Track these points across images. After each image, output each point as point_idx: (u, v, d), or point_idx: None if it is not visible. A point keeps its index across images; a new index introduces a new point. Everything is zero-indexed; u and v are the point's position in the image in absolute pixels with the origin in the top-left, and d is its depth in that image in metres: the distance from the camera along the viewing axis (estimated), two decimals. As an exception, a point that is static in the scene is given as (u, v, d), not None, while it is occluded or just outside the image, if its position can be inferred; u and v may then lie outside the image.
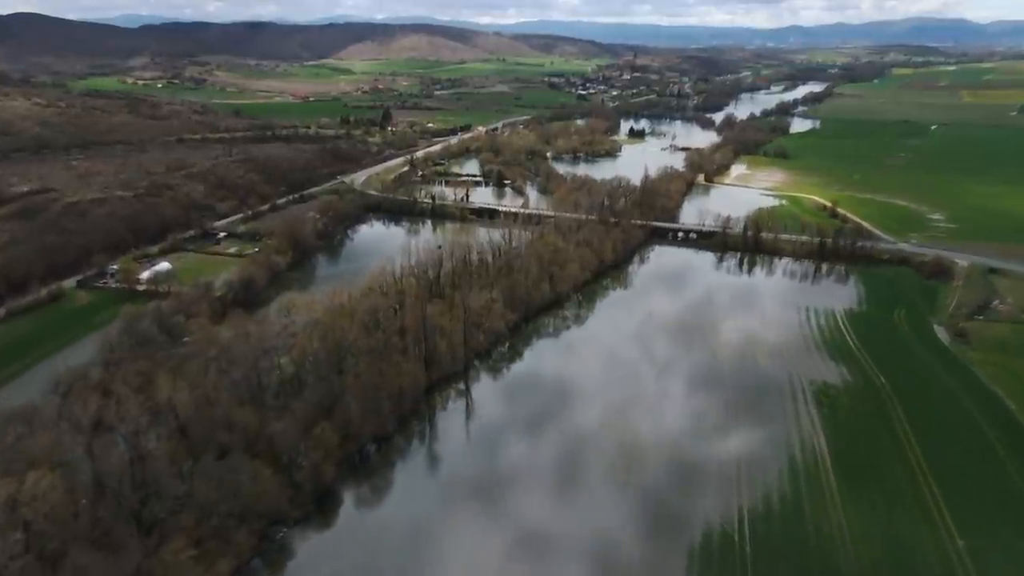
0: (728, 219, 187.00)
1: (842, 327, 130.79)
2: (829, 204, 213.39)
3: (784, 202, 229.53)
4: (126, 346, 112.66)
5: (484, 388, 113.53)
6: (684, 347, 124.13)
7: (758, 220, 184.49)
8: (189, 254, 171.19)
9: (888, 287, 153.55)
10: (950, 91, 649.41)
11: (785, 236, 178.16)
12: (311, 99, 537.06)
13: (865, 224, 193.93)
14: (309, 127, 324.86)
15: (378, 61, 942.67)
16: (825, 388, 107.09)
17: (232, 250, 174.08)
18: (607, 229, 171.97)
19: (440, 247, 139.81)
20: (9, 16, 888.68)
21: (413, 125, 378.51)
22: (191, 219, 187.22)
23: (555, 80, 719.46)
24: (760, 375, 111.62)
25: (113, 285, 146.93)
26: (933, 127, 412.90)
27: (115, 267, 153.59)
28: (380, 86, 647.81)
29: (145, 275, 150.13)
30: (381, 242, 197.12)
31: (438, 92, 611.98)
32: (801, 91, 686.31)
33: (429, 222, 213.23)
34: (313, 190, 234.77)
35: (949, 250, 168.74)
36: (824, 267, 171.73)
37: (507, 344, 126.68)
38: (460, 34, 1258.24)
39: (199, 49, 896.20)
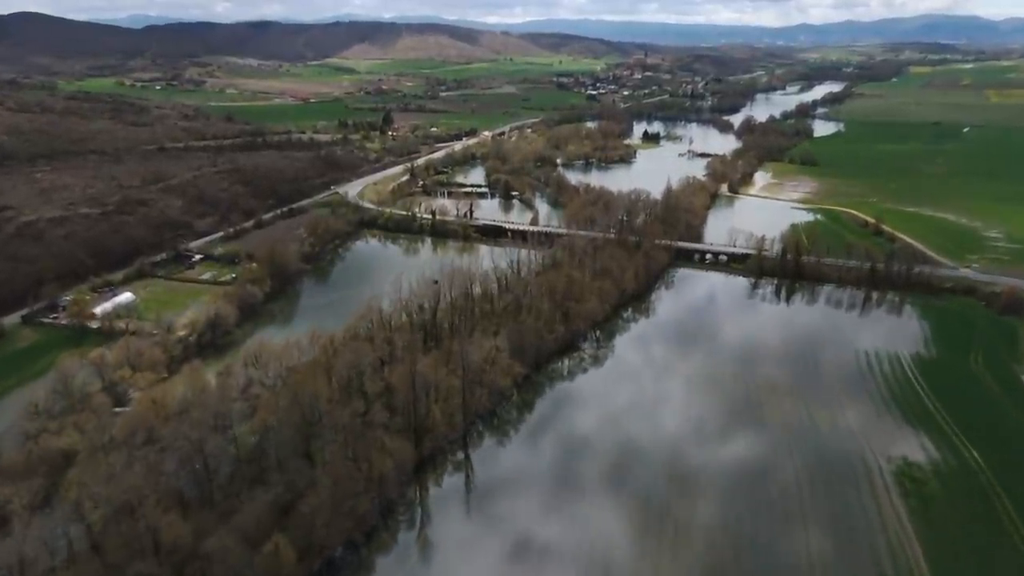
0: (763, 240, 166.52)
1: (911, 377, 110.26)
2: (872, 220, 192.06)
3: (820, 217, 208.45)
4: (57, 409, 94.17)
5: (487, 459, 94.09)
6: (724, 407, 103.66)
7: (797, 241, 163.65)
8: (158, 281, 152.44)
9: (956, 324, 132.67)
10: (974, 91, 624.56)
11: (830, 260, 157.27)
12: (312, 100, 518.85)
13: (916, 244, 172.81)
14: (304, 132, 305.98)
15: (383, 61, 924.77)
16: (908, 468, 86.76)
17: (207, 276, 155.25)
18: (628, 253, 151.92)
19: (436, 282, 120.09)
20: (9, 16, 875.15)
21: (415, 129, 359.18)
22: (163, 240, 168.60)
23: (564, 80, 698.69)
24: (823, 450, 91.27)
25: (63, 321, 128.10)
26: (965, 129, 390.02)
27: (69, 298, 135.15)
28: (384, 87, 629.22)
29: (101, 309, 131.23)
30: (376, 263, 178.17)
31: (443, 93, 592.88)
32: (818, 91, 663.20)
33: (429, 240, 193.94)
34: (304, 203, 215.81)
35: (1022, 277, 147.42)
36: (874, 296, 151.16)
37: (514, 399, 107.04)
38: (466, 34, 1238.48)
39: (203, 50, 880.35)
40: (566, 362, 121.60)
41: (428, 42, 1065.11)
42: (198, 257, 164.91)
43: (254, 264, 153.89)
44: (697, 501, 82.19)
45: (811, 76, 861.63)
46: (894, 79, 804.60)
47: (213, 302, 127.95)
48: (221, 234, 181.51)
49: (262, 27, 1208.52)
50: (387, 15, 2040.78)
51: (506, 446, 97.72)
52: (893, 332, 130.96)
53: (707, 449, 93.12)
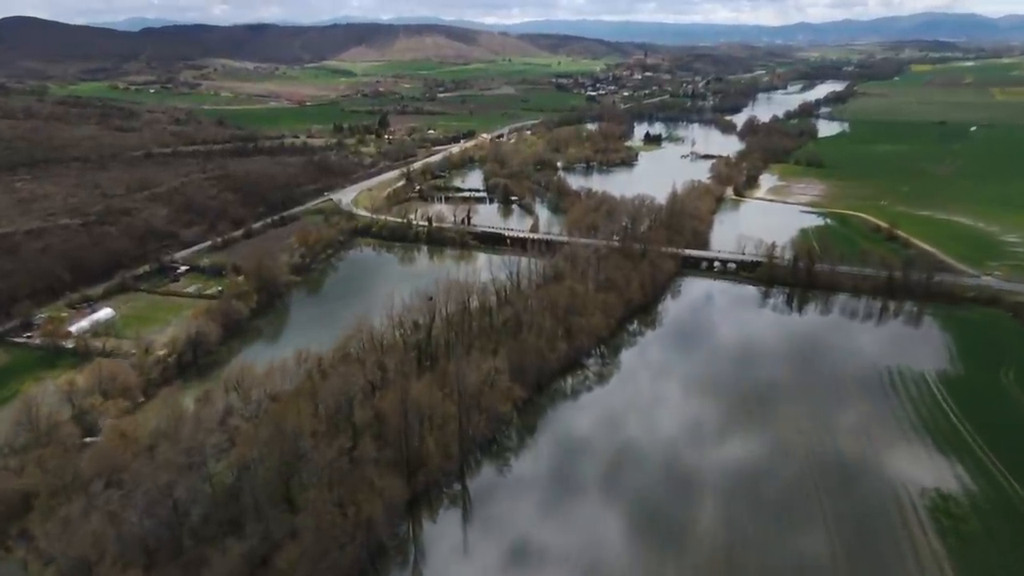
0: (773, 247, 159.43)
1: (939, 398, 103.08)
2: (885, 225, 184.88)
3: (829, 221, 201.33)
4: (21, 442, 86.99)
5: (486, 490, 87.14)
6: (740, 434, 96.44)
7: (809, 248, 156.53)
8: (140, 295, 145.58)
9: (982, 337, 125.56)
10: (978, 89, 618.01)
11: (844, 269, 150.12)
12: (308, 103, 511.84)
13: (933, 250, 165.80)
14: (298, 136, 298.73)
15: (380, 63, 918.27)
16: (943, 502, 79.64)
17: (191, 289, 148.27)
18: (632, 263, 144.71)
19: (431, 298, 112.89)
20: (3, 20, 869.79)
21: (412, 132, 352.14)
22: (147, 251, 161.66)
23: (563, 81, 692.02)
24: (850, 480, 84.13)
25: (37, 341, 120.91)
26: (972, 128, 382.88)
27: (44, 316, 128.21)
28: (381, 89, 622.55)
29: (77, 327, 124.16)
30: (370, 274, 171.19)
31: (441, 95, 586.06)
32: (820, 90, 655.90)
33: (425, 248, 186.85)
34: (296, 210, 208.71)
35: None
36: (891, 306, 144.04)
37: (515, 422, 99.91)
38: (464, 34, 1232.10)
39: (199, 52, 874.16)
40: (570, 380, 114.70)
41: (425, 43, 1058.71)
42: (183, 269, 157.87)
43: (241, 277, 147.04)
44: (717, 536, 75.16)
45: (812, 75, 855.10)
46: (896, 78, 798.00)
47: (195, 319, 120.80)
48: (208, 244, 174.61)
49: (259, 30, 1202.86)
50: (385, 17, 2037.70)
51: (506, 475, 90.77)
52: (915, 346, 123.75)
53: (724, 476, 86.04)
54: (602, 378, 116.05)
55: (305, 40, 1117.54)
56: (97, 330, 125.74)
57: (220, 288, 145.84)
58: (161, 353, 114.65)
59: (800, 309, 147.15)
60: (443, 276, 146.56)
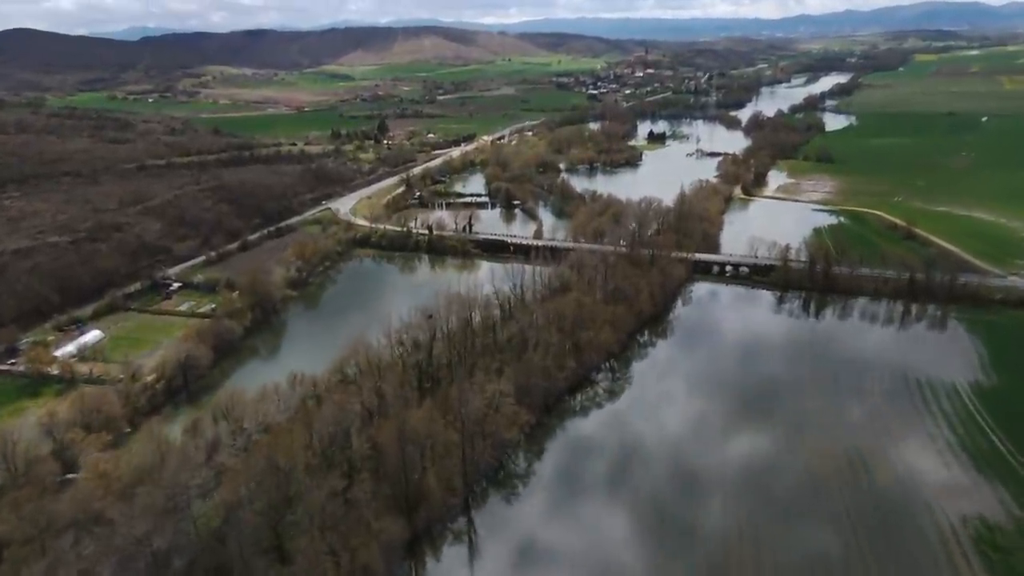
0: (787, 249, 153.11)
1: (974, 412, 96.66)
2: (902, 222, 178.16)
3: (843, 219, 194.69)
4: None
5: (494, 522, 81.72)
6: (761, 452, 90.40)
7: (826, 250, 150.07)
8: (131, 315, 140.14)
9: (1013, 343, 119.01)
10: (986, 78, 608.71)
11: (863, 271, 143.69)
12: (306, 109, 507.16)
13: (953, 248, 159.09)
14: (295, 144, 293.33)
15: (379, 66, 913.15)
16: (988, 533, 73.34)
17: (184, 307, 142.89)
18: (641, 270, 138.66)
19: (431, 316, 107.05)
20: (2, 33, 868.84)
21: (412, 136, 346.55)
22: (139, 268, 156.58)
23: (564, 80, 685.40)
24: (886, 510, 77.75)
25: (21, 368, 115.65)
26: (983, 119, 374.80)
27: (29, 341, 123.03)
28: (381, 92, 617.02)
29: (64, 351, 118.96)
30: (369, 286, 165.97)
31: (441, 97, 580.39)
32: (824, 83, 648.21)
33: (426, 258, 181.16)
34: (293, 220, 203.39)
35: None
36: (914, 310, 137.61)
37: (522, 447, 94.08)
38: (463, 35, 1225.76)
39: (198, 60, 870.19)
40: (579, 398, 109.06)
41: (424, 45, 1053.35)
42: (176, 286, 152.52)
43: (235, 293, 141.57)
44: (747, 556, 69.20)
45: (815, 68, 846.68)
46: (900, 68, 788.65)
47: (185, 341, 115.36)
48: (203, 258, 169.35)
49: (257, 36, 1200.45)
50: (383, 20, 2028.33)
51: (514, 505, 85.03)
52: (943, 354, 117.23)
53: (748, 499, 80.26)
54: (613, 395, 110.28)
55: (303, 45, 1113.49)
56: (84, 354, 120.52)
57: (214, 305, 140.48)
58: (150, 379, 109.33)
59: (818, 314, 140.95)
60: (445, 287, 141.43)
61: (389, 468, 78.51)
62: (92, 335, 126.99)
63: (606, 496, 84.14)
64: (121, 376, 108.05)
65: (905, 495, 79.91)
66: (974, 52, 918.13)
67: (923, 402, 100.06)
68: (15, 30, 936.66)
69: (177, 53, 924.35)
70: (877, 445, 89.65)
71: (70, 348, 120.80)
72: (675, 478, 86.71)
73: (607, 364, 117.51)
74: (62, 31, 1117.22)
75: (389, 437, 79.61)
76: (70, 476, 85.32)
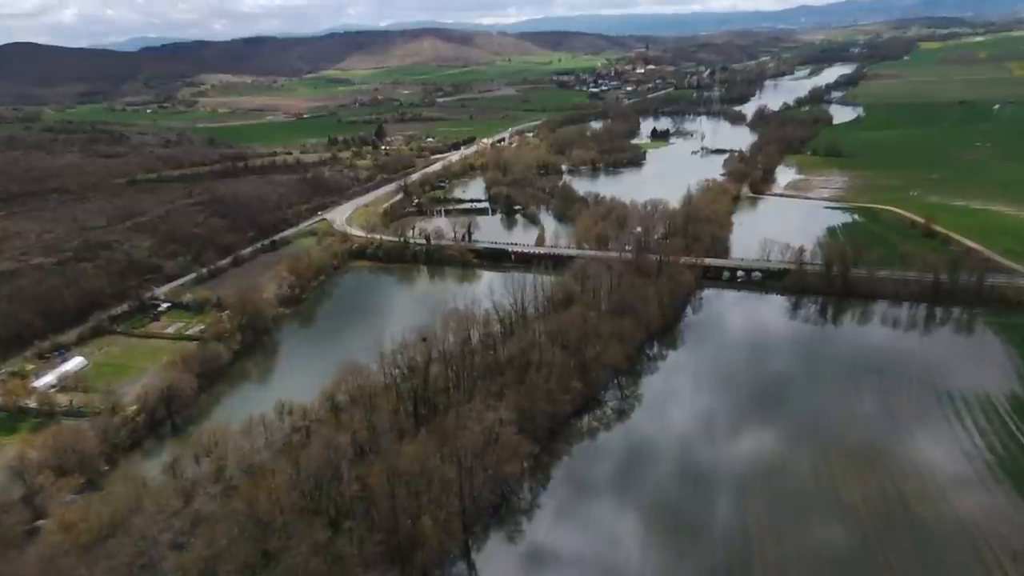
0: (801, 251, 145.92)
1: (1014, 430, 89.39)
2: (921, 219, 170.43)
3: (857, 217, 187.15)
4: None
5: (495, 565, 75.12)
6: (785, 479, 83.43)
7: (842, 251, 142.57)
8: (116, 338, 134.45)
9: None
10: (994, 64, 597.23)
11: (883, 273, 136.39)
12: (305, 115, 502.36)
13: (977, 246, 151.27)
14: (290, 152, 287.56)
15: (379, 69, 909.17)
16: (1044, 572, 66.15)
17: (171, 329, 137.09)
18: (649, 279, 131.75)
19: (425, 338, 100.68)
20: (2, 47, 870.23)
21: (410, 141, 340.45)
22: (127, 288, 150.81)
23: (564, 79, 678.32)
24: (926, 546, 70.76)
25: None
26: (995, 107, 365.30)
27: (7, 371, 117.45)
28: (380, 96, 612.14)
29: (44, 382, 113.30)
30: (366, 301, 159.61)
31: (440, 100, 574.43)
32: (829, 74, 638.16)
33: (425, 269, 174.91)
34: (288, 232, 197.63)
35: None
36: (938, 313, 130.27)
37: (526, 477, 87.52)
38: (462, 37, 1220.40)
39: (198, 69, 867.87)
40: (586, 420, 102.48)
41: (423, 47, 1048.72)
42: (165, 306, 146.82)
43: (224, 313, 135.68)
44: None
45: (819, 59, 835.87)
46: (906, 57, 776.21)
47: (168, 369, 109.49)
48: (194, 276, 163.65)
49: (257, 43, 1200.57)
50: (383, 23, 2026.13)
51: (518, 543, 78.79)
52: (973, 361, 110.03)
53: (772, 535, 73.33)
54: (622, 415, 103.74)
55: (303, 51, 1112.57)
56: (65, 383, 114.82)
57: (203, 326, 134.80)
58: (132, 410, 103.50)
59: (836, 320, 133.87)
60: (443, 302, 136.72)
61: (380, 512, 72.27)
62: (74, 362, 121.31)
63: (617, 531, 77.71)
64: (101, 408, 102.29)
65: (946, 526, 72.91)
66: (980, 38, 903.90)
67: (956, 417, 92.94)
68: (15, 44, 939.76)
69: (177, 63, 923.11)
70: (911, 470, 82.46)
71: (50, 378, 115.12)
72: (691, 511, 79.90)
73: (615, 381, 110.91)
74: (63, 44, 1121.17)
75: (379, 477, 73.33)
76: (40, 522, 79.54)
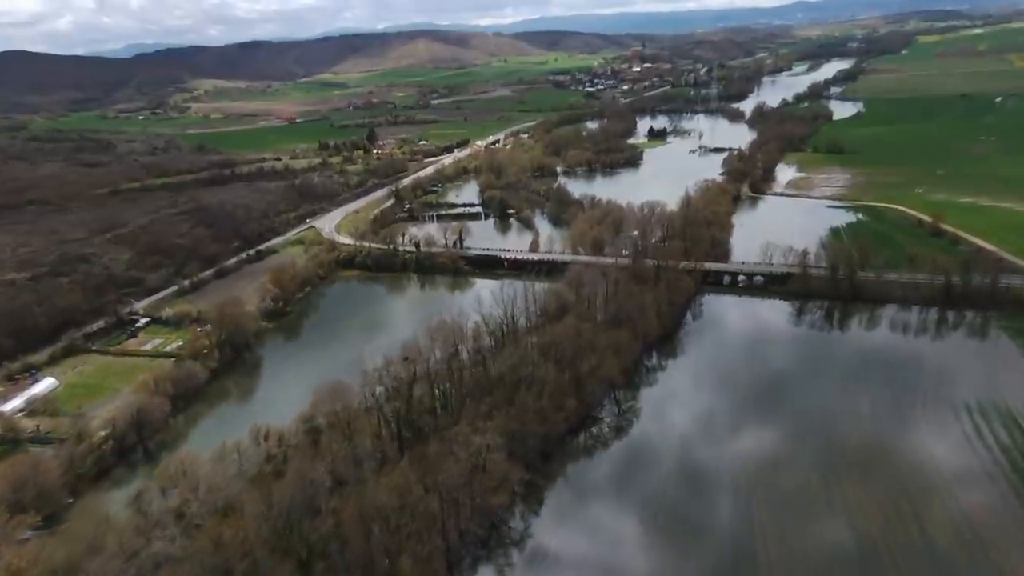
0: (804, 254, 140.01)
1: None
2: (928, 218, 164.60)
3: (861, 216, 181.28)
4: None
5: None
6: (790, 502, 77.69)
7: (848, 254, 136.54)
8: (92, 357, 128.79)
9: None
10: (995, 56, 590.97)
11: (891, 276, 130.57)
12: (298, 120, 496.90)
13: (987, 246, 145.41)
14: (279, 159, 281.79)
15: (375, 72, 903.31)
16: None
17: (149, 346, 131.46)
18: (646, 286, 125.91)
19: (407, 357, 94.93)
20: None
21: (403, 145, 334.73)
22: (105, 303, 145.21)
23: (560, 79, 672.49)
24: (949, 572, 64.92)
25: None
26: (998, 99, 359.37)
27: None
28: (374, 99, 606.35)
29: (11, 406, 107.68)
30: (354, 312, 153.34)
31: (435, 102, 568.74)
32: (827, 70, 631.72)
33: (415, 277, 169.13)
34: (275, 241, 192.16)
35: None
36: (950, 317, 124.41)
37: (517, 504, 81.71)
38: (458, 38, 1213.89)
39: (192, 74, 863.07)
40: (582, 438, 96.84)
41: (419, 49, 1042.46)
42: (143, 321, 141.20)
43: (204, 328, 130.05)
44: None
45: (817, 54, 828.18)
46: (904, 51, 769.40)
47: (139, 391, 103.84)
48: (175, 288, 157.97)
49: (252, 47, 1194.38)
50: (380, 25, 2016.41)
51: (508, 577, 72.86)
52: (989, 369, 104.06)
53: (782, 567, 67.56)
54: (620, 432, 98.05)
55: (298, 55, 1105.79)
56: (35, 407, 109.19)
57: (182, 342, 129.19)
58: (101, 435, 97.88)
59: (842, 326, 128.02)
60: (434, 312, 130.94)
61: (355, 551, 66.47)
62: (45, 384, 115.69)
63: (616, 562, 71.89)
64: (68, 435, 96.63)
65: (973, 559, 67.00)
66: (979, 31, 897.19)
67: (975, 432, 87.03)
68: (9, 52, 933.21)
69: (171, 69, 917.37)
70: (929, 491, 76.70)
71: (18, 401, 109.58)
72: (696, 540, 74.11)
73: (612, 395, 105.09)
74: (60, 52, 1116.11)
75: (353, 513, 67.59)
76: (-6, 565, 73.76)
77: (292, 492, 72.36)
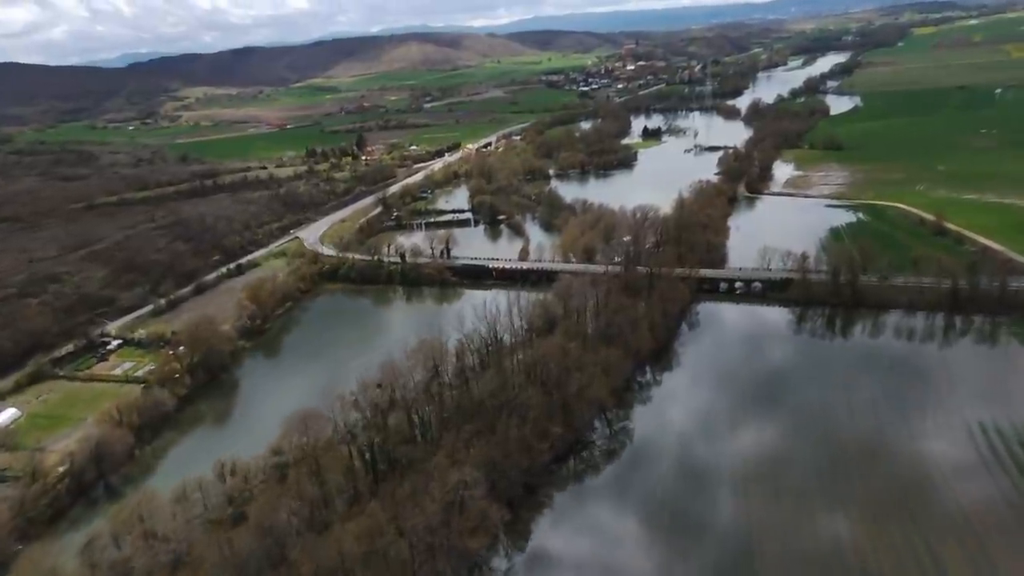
0: (804, 258, 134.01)
1: (1064, 471, 77.33)
2: (931, 216, 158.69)
3: (862, 215, 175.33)
4: None
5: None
6: (798, 539, 71.71)
7: (849, 257, 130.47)
8: (59, 383, 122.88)
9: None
10: (991, 47, 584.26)
11: (896, 280, 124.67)
12: (288, 126, 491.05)
13: (993, 245, 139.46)
14: (264, 167, 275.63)
15: (368, 76, 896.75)
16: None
17: (119, 370, 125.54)
18: (638, 298, 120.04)
19: (380, 385, 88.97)
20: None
21: (392, 150, 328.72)
22: (76, 325, 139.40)
23: (554, 79, 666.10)
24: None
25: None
26: (997, 91, 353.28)
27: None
28: (366, 103, 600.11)
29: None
30: (336, 328, 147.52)
31: (427, 105, 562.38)
32: (823, 64, 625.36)
33: (401, 289, 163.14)
34: (257, 254, 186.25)
35: None
36: (958, 323, 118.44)
37: (501, 540, 75.79)
38: (451, 40, 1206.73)
39: (185, 82, 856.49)
40: (572, 464, 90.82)
41: (412, 51, 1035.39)
42: (115, 343, 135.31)
43: (177, 350, 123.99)
44: None
45: (812, 48, 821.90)
46: (900, 43, 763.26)
47: (101, 423, 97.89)
48: (150, 308, 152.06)
49: (245, 53, 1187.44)
50: (374, 29, 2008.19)
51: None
52: (1003, 382, 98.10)
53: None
54: (611, 456, 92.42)
55: (291, 60, 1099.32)
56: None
57: (153, 366, 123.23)
58: (60, 471, 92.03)
59: (845, 334, 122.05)
60: (421, 325, 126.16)
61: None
62: (6, 415, 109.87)
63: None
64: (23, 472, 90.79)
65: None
66: (974, 21, 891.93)
67: (993, 456, 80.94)
68: (0, 64, 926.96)
69: (164, 77, 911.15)
70: (945, 524, 70.69)
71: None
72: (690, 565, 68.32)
73: (603, 417, 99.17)
74: (54, 62, 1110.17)
75: (313, 567, 61.62)
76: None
77: (252, 540, 66.68)
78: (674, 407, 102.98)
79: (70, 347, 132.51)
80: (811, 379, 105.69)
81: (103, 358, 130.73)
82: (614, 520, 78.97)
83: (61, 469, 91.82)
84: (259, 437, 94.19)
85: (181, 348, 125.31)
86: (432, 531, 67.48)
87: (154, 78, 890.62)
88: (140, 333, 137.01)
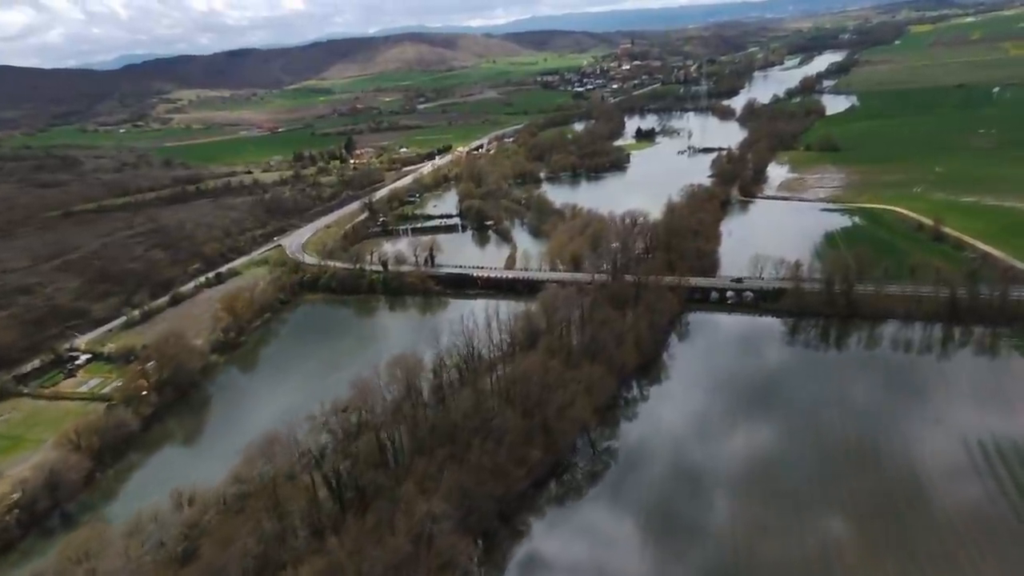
0: (797, 267, 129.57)
1: (1069, 495, 72.87)
2: (928, 221, 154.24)
3: (858, 220, 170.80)
4: None
5: None
6: (782, 550, 67.23)
7: (845, 265, 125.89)
8: (22, 401, 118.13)
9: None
10: (988, 45, 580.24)
11: (892, 289, 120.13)
12: (280, 129, 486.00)
13: (993, 251, 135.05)
14: (249, 172, 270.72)
15: (362, 77, 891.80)
16: None
17: (86, 387, 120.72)
18: (625, 309, 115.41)
19: (346, 409, 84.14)
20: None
21: (381, 153, 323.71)
22: (45, 338, 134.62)
23: (549, 79, 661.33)
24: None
25: None
26: (995, 90, 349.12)
27: None
28: (360, 105, 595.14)
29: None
30: (315, 342, 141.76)
31: (421, 106, 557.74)
32: (819, 63, 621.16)
33: (384, 299, 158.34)
34: (237, 263, 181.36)
35: None
36: (956, 334, 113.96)
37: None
38: (448, 40, 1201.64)
39: (179, 84, 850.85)
40: (552, 488, 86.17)
41: (407, 52, 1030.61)
42: (84, 358, 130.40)
43: (146, 366, 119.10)
44: None
45: (808, 47, 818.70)
46: (897, 42, 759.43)
47: (58, 447, 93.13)
48: (123, 320, 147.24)
49: (240, 55, 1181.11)
50: (371, 30, 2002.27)
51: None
52: (1003, 397, 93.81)
53: None
54: (594, 478, 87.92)
55: (286, 62, 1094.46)
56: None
57: (122, 382, 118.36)
58: (14, 498, 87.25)
59: (839, 345, 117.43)
60: (402, 338, 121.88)
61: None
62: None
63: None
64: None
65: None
66: (971, 19, 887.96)
67: (992, 475, 76.63)
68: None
69: (157, 79, 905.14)
70: (938, 548, 66.30)
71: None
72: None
73: (586, 436, 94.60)
74: (49, 65, 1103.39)
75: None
76: None
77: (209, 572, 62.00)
78: (661, 423, 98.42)
79: (36, 362, 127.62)
80: (804, 394, 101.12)
81: (71, 374, 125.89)
82: (595, 548, 74.49)
83: (15, 497, 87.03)
84: (227, 459, 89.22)
85: (151, 363, 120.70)
86: (396, 569, 62.82)
87: (148, 80, 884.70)
88: (109, 347, 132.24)
